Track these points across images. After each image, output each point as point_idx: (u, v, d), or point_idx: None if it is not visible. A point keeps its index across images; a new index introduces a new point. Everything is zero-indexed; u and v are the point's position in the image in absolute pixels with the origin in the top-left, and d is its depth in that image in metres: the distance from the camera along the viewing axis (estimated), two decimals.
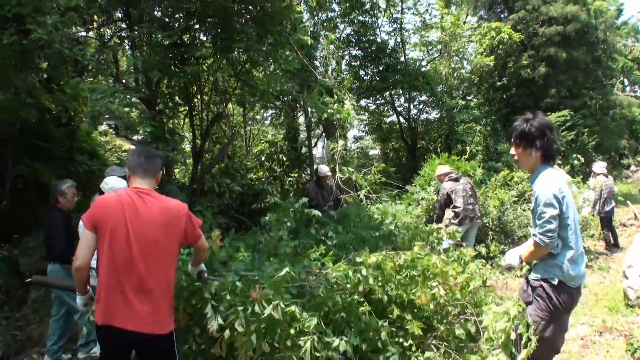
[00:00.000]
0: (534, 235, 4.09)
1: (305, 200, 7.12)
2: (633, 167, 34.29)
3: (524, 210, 11.13)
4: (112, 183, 5.84)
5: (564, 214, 4.01)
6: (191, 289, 4.40)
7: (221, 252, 5.22)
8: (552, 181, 4.04)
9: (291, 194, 14.26)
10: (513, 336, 4.17)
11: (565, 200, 4.03)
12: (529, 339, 4.00)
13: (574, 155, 20.02)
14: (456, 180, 9.93)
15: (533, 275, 4.27)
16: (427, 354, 4.92)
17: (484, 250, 7.04)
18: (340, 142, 13.39)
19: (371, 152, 26.81)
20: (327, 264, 5.57)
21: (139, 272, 3.54)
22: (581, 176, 13.58)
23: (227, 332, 4.04)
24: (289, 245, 6.21)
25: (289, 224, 7.13)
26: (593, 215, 12.31)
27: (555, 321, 4.15)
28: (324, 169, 10.88)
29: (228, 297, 4.26)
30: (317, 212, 7.00)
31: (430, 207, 11.88)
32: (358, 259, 5.30)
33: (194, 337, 4.30)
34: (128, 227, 3.55)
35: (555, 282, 4.06)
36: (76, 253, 3.60)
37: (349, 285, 4.83)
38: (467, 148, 19.35)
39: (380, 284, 5.09)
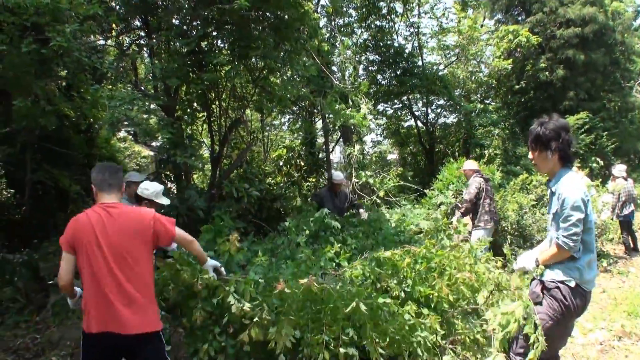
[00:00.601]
0: (557, 238, 4.07)
1: (327, 211, 7.18)
2: None
3: (543, 214, 11.07)
4: (153, 187, 6.02)
5: (587, 218, 4.01)
6: (212, 285, 4.47)
7: (239, 255, 5.27)
8: (579, 184, 4.04)
9: (309, 199, 14.26)
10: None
11: (587, 203, 4.02)
12: (537, 340, 3.99)
13: (593, 158, 19.91)
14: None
15: (549, 277, 4.24)
16: (445, 358, 4.90)
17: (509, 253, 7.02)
18: (357, 147, 13.38)
19: (389, 157, 26.80)
20: (343, 263, 5.61)
21: (118, 280, 3.82)
22: (600, 179, 13.51)
23: (257, 317, 4.17)
24: (306, 251, 6.23)
25: (307, 231, 7.18)
26: (612, 219, 12.22)
27: (564, 324, 4.17)
28: (339, 175, 10.84)
29: (250, 290, 4.42)
30: (336, 223, 7.03)
31: (449, 210, 11.86)
32: (373, 256, 5.36)
33: (214, 336, 4.34)
34: (100, 242, 3.84)
35: (573, 285, 4.05)
36: (59, 274, 3.98)
37: (367, 282, 4.84)
38: (486, 152, 19.27)
39: (396, 280, 5.10)
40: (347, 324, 4.47)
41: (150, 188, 5.97)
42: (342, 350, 4.27)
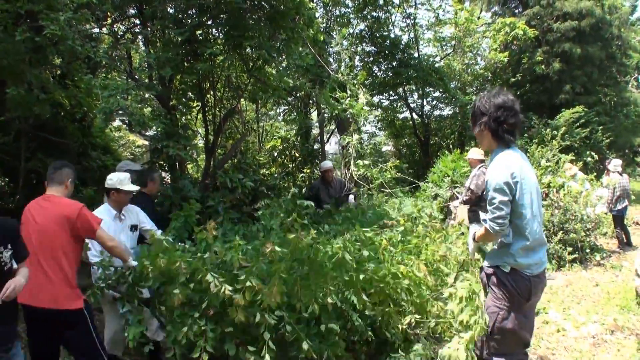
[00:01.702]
0: (484, 221, 4.00)
1: (295, 191, 7.20)
2: None
3: None
4: (116, 176, 6.01)
5: (517, 201, 3.87)
6: (189, 269, 4.52)
7: (216, 243, 5.27)
8: (505, 165, 3.87)
9: (304, 190, 14.25)
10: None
11: (521, 187, 3.87)
12: (477, 322, 4.00)
13: (588, 152, 19.90)
14: None
15: (486, 263, 4.21)
16: (417, 346, 4.94)
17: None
18: (355, 136, 13.35)
19: (384, 149, 26.79)
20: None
21: (41, 263, 4.41)
22: (594, 173, 13.51)
23: (252, 282, 4.24)
24: (280, 235, 6.21)
25: (282, 215, 7.17)
26: (606, 214, 12.25)
27: (516, 310, 4.01)
28: (326, 163, 10.80)
29: (239, 257, 4.57)
30: (310, 203, 6.99)
31: (445, 202, 11.88)
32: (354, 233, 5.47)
33: (193, 320, 4.34)
34: (31, 229, 4.47)
35: (507, 270, 3.98)
36: None
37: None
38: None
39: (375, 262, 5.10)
40: (334, 276, 4.57)
41: (113, 177, 5.94)
42: (329, 300, 4.35)
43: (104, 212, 5.78)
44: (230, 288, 4.22)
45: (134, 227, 6.18)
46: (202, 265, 4.45)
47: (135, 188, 6.10)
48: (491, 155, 4.16)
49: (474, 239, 4.33)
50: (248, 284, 4.21)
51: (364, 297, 4.60)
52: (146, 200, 7.34)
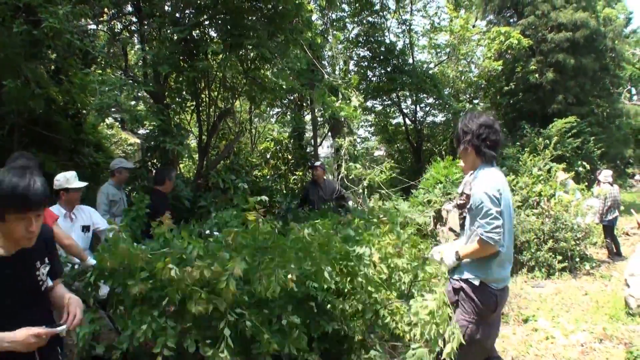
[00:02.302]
0: (481, 234, 3.97)
1: (245, 186, 7.24)
2: (638, 177, 34.31)
3: (528, 215, 11.13)
4: (62, 176, 6.03)
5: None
6: (150, 262, 4.40)
7: (175, 241, 5.24)
8: (494, 179, 4.03)
9: (296, 192, 14.24)
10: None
11: (503, 202, 4.00)
12: (453, 333, 4.00)
13: (579, 162, 19.97)
14: None
15: (455, 276, 4.26)
16: (372, 352, 4.97)
17: None
18: (348, 139, 13.36)
19: (376, 153, 26.83)
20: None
21: None
22: (586, 183, 13.56)
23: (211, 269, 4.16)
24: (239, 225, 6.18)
25: (234, 212, 7.15)
26: (597, 224, 12.31)
27: (484, 323, 4.11)
28: (320, 164, 10.85)
29: (199, 247, 4.53)
30: (264, 197, 7.03)
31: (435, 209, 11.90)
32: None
33: (152, 318, 4.26)
34: None
35: (477, 283, 4.05)
36: None
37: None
38: None
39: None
40: (297, 258, 4.58)
41: (60, 178, 5.94)
42: (291, 278, 4.28)
43: (53, 211, 5.71)
44: (197, 272, 4.10)
45: (85, 228, 6.13)
46: (160, 258, 4.32)
47: (83, 184, 6.10)
48: (475, 172, 4.28)
49: (457, 257, 4.28)
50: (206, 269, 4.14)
51: (327, 275, 4.58)
52: (162, 198, 7.76)
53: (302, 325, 4.57)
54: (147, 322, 4.20)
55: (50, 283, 3.21)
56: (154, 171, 9.62)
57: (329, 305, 4.89)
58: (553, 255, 10.58)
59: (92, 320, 4.53)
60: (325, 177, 10.82)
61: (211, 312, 4.17)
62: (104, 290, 4.95)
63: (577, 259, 10.95)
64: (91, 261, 4.94)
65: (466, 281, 4.11)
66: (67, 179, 5.90)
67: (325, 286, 4.73)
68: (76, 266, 5.04)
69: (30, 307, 2.99)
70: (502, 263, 4.08)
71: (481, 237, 3.97)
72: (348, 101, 12.34)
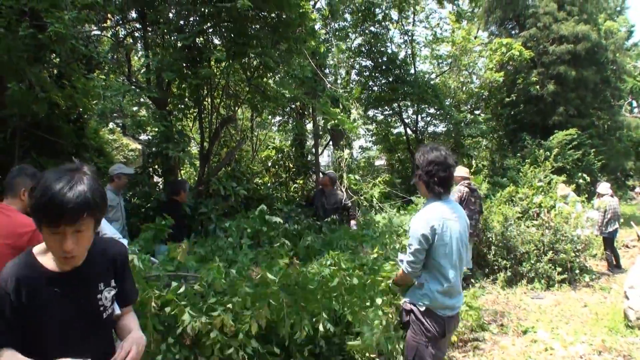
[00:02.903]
0: (401, 261, 4.42)
1: (264, 207, 7.25)
2: (638, 189, 34.29)
3: (527, 226, 11.14)
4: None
5: (435, 250, 4.16)
6: (163, 300, 4.29)
7: (189, 260, 5.23)
8: (426, 219, 4.18)
9: (296, 200, 14.24)
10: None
11: (440, 238, 4.15)
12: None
13: (580, 174, 20.01)
14: (473, 191, 9.77)
15: (406, 298, 4.47)
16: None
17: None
18: (346, 151, 13.38)
19: (377, 163, 26.82)
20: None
21: None
22: (586, 195, 13.58)
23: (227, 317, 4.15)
24: (248, 253, 6.11)
25: (248, 229, 7.11)
26: (596, 236, 12.33)
27: (433, 346, 4.26)
28: (329, 174, 10.89)
29: (221, 280, 4.48)
30: (278, 219, 7.07)
31: None
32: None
33: (167, 347, 4.17)
34: None
35: (423, 309, 4.24)
36: None
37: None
38: (473, 162, 19.35)
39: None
40: (325, 301, 4.59)
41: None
42: (321, 327, 4.38)
43: None
44: (204, 320, 4.10)
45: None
46: (174, 297, 4.24)
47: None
48: (424, 203, 4.56)
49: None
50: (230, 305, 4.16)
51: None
52: (177, 207, 8.56)
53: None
54: (161, 351, 4.15)
55: (117, 311, 2.83)
56: (170, 182, 9.67)
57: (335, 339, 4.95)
58: (553, 267, 10.59)
59: None
60: (333, 187, 10.87)
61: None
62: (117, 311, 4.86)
63: (577, 271, 10.96)
64: None
65: (414, 305, 4.31)
66: None
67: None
68: None
69: (86, 337, 2.56)
70: (448, 293, 4.23)
71: (401, 265, 4.42)
72: (348, 113, 12.36)
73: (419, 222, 4.17)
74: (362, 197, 13.17)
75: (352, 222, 10.51)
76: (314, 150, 17.14)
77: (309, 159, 17.58)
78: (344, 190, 12.02)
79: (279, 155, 17.56)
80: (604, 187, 13.16)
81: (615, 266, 12.59)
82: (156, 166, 10.46)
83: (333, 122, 11.72)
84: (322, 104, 11.47)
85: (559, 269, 10.61)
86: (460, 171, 9.90)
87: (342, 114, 11.95)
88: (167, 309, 4.23)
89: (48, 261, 2.49)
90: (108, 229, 6.24)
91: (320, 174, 11.00)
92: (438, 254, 4.15)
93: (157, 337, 4.25)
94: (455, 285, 4.24)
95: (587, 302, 9.64)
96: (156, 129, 9.33)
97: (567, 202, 12.02)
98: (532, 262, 10.59)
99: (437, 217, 4.16)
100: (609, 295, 10.19)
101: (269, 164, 17.54)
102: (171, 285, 4.43)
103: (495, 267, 10.72)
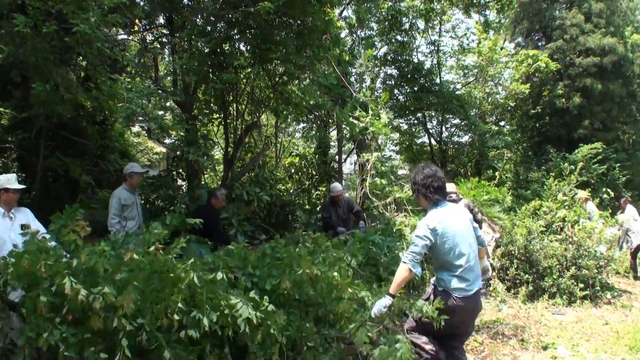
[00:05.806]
0: (405, 257, 5.04)
1: (183, 206, 7.39)
2: None
3: (551, 240, 11.03)
4: (4, 177, 6.26)
5: (440, 245, 4.97)
6: (52, 272, 4.35)
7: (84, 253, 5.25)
8: (427, 222, 4.99)
9: (318, 208, 14.24)
10: None
11: (442, 236, 4.95)
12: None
13: (604, 189, 19.83)
14: (454, 202, 9.68)
15: (433, 280, 5.42)
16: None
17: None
18: (375, 154, 13.36)
19: (400, 172, 26.81)
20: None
21: None
22: (609, 210, 13.46)
23: (107, 289, 4.18)
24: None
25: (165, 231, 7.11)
26: (624, 252, 12.28)
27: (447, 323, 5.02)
28: (336, 187, 10.85)
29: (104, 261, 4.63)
30: (198, 220, 7.07)
31: None
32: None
33: (54, 325, 4.18)
34: None
35: (440, 289, 5.12)
36: None
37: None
38: (497, 174, 19.23)
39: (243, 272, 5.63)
40: (186, 293, 4.59)
41: (1, 178, 6.14)
42: (176, 317, 4.35)
43: None
44: (84, 293, 4.10)
45: (25, 227, 6.19)
46: (63, 269, 4.29)
47: (22, 186, 6.28)
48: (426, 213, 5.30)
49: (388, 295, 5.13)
50: (105, 290, 4.15)
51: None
52: (211, 211, 8.85)
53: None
54: (48, 329, 4.17)
55: None
56: (210, 190, 9.85)
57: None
58: (575, 283, 10.47)
59: None
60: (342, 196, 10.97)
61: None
62: (18, 292, 4.85)
63: (598, 287, 10.83)
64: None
65: (435, 286, 5.23)
66: (8, 179, 6.12)
67: None
68: None
69: None
70: (460, 276, 4.98)
71: (403, 259, 5.05)
72: (377, 118, 12.34)
73: (424, 222, 4.99)
74: (388, 200, 13.11)
75: (361, 223, 10.77)
76: (337, 157, 17.16)
77: (332, 166, 17.59)
78: (361, 193, 12.06)
79: (303, 162, 17.59)
80: (631, 212, 13.12)
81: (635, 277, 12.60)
82: (180, 170, 10.51)
83: (357, 129, 11.70)
84: (345, 112, 11.46)
85: (581, 285, 10.49)
86: (449, 187, 9.87)
87: (370, 118, 11.96)
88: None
89: None
90: (34, 225, 6.27)
91: (330, 189, 10.95)
92: (443, 248, 4.96)
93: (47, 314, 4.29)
94: (467, 268, 4.99)
95: (608, 319, 9.52)
96: (181, 133, 9.38)
97: (590, 217, 11.93)
98: (555, 277, 10.48)
99: (436, 220, 4.96)
100: (630, 314, 10.07)
101: (292, 170, 17.58)
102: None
103: (517, 281, 10.62)
